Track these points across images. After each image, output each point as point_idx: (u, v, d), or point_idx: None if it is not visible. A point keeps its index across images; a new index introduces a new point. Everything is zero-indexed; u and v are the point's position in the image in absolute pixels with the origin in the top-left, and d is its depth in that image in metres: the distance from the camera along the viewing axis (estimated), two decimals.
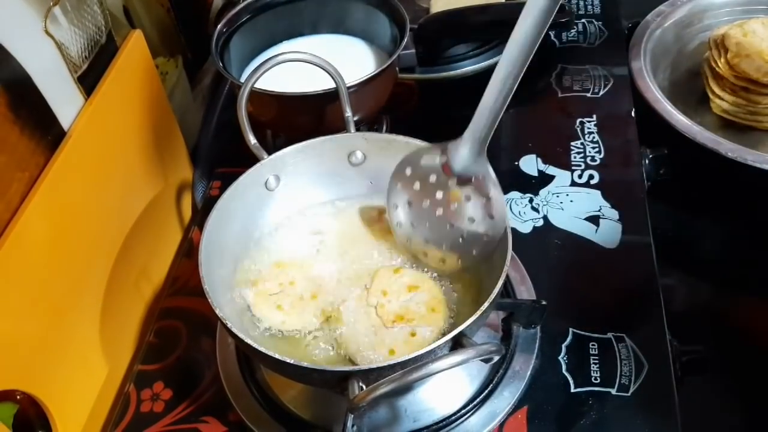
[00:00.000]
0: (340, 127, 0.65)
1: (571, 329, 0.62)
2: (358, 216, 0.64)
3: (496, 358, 0.47)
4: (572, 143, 0.79)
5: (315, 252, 0.62)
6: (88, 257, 0.62)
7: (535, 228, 0.71)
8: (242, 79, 0.74)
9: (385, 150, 0.63)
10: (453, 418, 0.57)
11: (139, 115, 0.70)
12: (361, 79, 0.68)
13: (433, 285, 0.57)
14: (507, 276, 0.59)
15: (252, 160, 0.61)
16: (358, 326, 0.56)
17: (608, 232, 0.69)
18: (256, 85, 0.63)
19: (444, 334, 0.49)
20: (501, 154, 0.80)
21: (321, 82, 0.66)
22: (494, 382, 0.58)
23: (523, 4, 0.49)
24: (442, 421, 0.57)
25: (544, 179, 0.76)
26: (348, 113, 0.64)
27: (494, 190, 0.53)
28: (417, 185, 0.58)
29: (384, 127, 0.82)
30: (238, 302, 0.58)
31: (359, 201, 0.65)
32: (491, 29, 0.82)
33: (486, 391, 0.58)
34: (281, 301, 0.58)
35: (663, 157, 0.78)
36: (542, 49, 0.90)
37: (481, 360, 0.46)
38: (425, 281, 0.58)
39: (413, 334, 0.54)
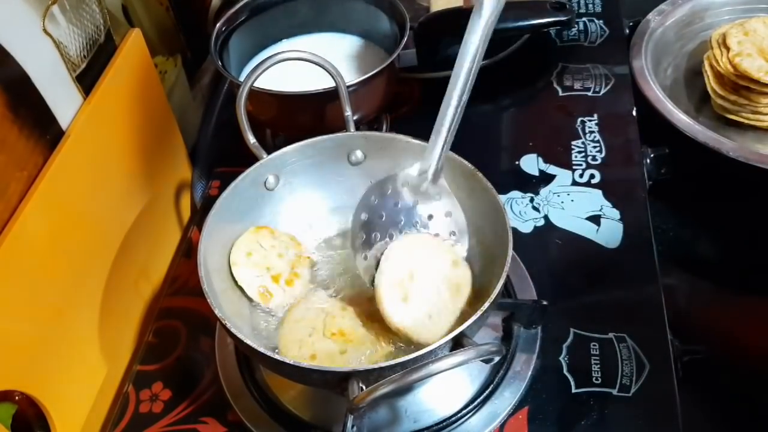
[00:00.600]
0: (339, 126, 0.64)
1: (572, 329, 0.62)
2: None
3: (497, 358, 0.47)
4: (573, 142, 0.79)
5: (315, 251, 0.62)
6: (87, 257, 0.62)
7: (536, 227, 0.71)
8: (241, 78, 0.73)
9: (385, 149, 0.63)
10: (453, 418, 0.57)
11: (138, 114, 0.70)
12: (361, 79, 0.67)
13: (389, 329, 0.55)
14: (507, 276, 0.59)
15: (251, 159, 0.61)
16: (300, 322, 0.55)
17: (609, 232, 0.69)
18: (255, 84, 0.62)
19: None
20: (501, 153, 0.80)
21: (321, 81, 0.66)
22: (495, 382, 0.58)
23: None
24: (442, 421, 0.57)
25: (545, 178, 0.75)
26: (348, 112, 0.64)
27: (454, 208, 0.58)
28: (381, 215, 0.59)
29: (384, 126, 0.82)
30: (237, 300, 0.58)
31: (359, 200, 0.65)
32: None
33: (486, 392, 0.58)
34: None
35: (664, 157, 0.78)
36: (543, 47, 0.91)
37: (482, 360, 0.45)
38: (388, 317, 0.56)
39: (343, 352, 0.54)
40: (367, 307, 0.56)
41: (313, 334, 0.54)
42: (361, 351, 0.54)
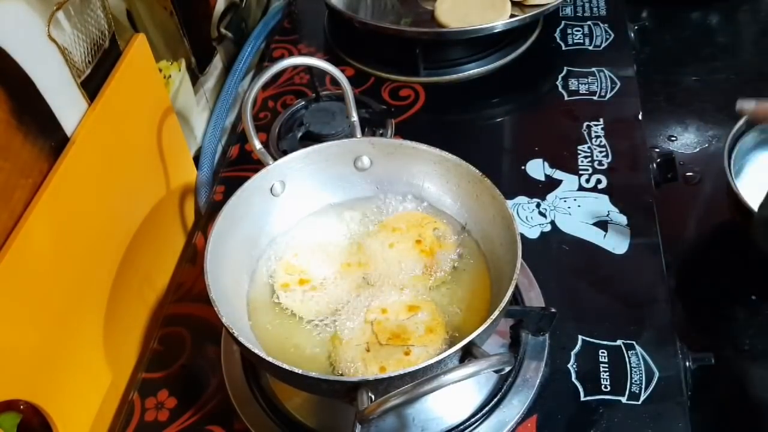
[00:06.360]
0: None
1: (580, 336, 0.61)
2: (362, 221, 0.64)
3: (508, 368, 0.47)
4: (579, 147, 0.78)
5: (322, 256, 0.61)
6: (92, 264, 0.61)
7: (542, 233, 0.70)
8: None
9: (392, 155, 0.62)
10: (462, 427, 0.56)
11: (143, 119, 0.70)
12: None
13: (434, 308, 0.56)
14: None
15: (256, 164, 0.61)
16: (352, 339, 0.55)
17: (616, 238, 0.69)
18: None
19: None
20: (507, 158, 0.79)
21: None
22: (503, 390, 0.58)
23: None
24: (450, 430, 0.56)
25: (552, 184, 0.75)
26: (354, 117, 0.64)
27: None
28: None
29: (389, 131, 0.81)
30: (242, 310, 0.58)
31: (366, 206, 0.64)
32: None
33: (495, 400, 0.57)
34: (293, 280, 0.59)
35: (671, 161, 0.77)
36: (548, 52, 0.91)
37: (493, 371, 0.45)
38: (426, 304, 0.57)
39: (407, 353, 0.53)
40: (403, 301, 0.56)
41: (372, 348, 0.54)
42: (422, 343, 0.54)
